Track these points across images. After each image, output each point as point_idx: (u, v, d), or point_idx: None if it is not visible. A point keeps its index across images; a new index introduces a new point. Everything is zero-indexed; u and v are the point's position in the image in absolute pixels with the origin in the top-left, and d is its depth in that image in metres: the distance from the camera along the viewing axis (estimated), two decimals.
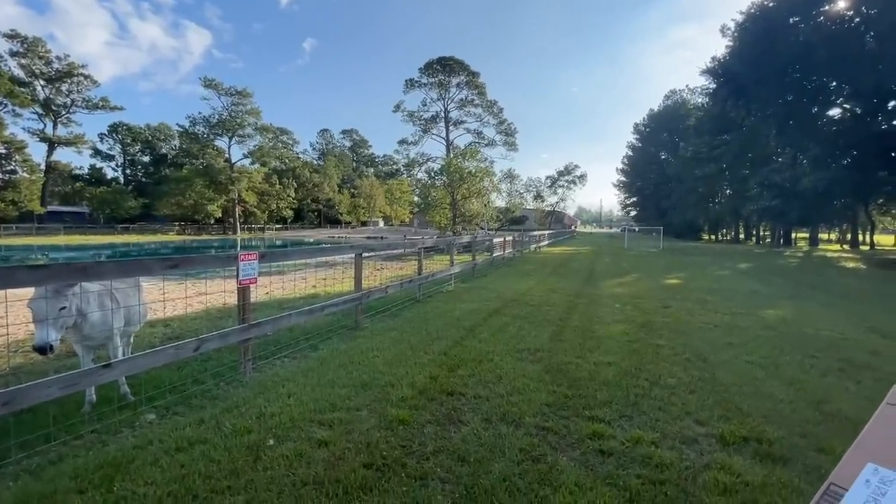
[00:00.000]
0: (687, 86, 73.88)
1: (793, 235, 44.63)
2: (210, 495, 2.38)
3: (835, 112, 32.06)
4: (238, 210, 63.12)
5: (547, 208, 66.64)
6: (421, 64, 53.54)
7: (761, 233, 55.72)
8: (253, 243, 46.67)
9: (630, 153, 78.15)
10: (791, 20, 28.77)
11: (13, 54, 52.41)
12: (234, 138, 62.96)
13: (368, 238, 50.10)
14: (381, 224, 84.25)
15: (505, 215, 49.53)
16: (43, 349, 2.88)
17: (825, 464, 2.78)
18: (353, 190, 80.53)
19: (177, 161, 66.15)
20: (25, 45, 53.03)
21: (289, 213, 72.07)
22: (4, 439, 2.82)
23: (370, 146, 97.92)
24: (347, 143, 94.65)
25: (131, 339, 4.37)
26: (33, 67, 54.27)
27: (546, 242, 31.99)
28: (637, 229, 59.07)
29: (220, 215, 62.70)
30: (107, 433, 3.15)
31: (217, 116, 60.72)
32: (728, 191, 52.93)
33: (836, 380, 4.46)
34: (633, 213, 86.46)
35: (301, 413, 3.42)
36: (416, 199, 67.40)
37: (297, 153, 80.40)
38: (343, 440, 3.01)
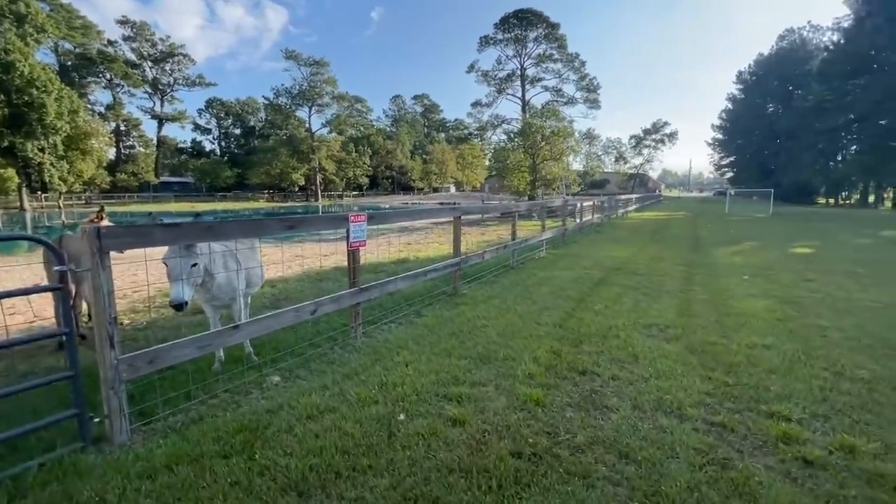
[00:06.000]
0: (809, 22, 62.69)
1: None
2: (352, 474, 2.19)
3: None
4: (318, 178, 66.14)
5: (629, 171, 61.89)
6: (496, 20, 50.69)
7: None
8: (332, 210, 48.81)
9: (730, 106, 68.57)
10: None
11: (125, 38, 58.36)
12: (313, 108, 65.21)
13: (441, 204, 50.15)
14: (453, 190, 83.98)
15: (584, 179, 46.85)
16: (179, 305, 2.87)
17: None
18: (424, 156, 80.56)
19: (263, 132, 70.49)
20: (134, 30, 58.71)
21: (364, 181, 74.18)
22: (151, 396, 2.88)
23: (441, 111, 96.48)
24: (419, 109, 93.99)
25: (249, 300, 4.43)
26: (142, 50, 60.04)
27: (633, 207, 29.65)
28: (734, 192, 52.55)
29: (303, 183, 66.22)
30: (238, 393, 3.15)
31: (297, 87, 63.10)
32: (855, 147, 44.80)
33: None
34: (728, 175, 76.87)
35: (423, 385, 3.18)
36: (488, 163, 65.76)
37: (371, 121, 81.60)
38: (477, 420, 2.71)
